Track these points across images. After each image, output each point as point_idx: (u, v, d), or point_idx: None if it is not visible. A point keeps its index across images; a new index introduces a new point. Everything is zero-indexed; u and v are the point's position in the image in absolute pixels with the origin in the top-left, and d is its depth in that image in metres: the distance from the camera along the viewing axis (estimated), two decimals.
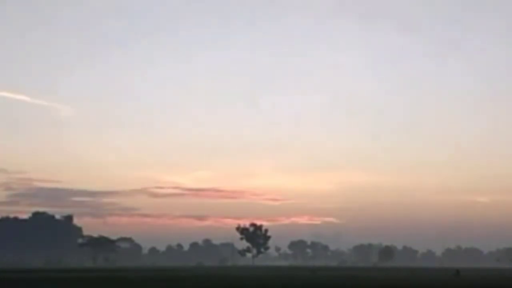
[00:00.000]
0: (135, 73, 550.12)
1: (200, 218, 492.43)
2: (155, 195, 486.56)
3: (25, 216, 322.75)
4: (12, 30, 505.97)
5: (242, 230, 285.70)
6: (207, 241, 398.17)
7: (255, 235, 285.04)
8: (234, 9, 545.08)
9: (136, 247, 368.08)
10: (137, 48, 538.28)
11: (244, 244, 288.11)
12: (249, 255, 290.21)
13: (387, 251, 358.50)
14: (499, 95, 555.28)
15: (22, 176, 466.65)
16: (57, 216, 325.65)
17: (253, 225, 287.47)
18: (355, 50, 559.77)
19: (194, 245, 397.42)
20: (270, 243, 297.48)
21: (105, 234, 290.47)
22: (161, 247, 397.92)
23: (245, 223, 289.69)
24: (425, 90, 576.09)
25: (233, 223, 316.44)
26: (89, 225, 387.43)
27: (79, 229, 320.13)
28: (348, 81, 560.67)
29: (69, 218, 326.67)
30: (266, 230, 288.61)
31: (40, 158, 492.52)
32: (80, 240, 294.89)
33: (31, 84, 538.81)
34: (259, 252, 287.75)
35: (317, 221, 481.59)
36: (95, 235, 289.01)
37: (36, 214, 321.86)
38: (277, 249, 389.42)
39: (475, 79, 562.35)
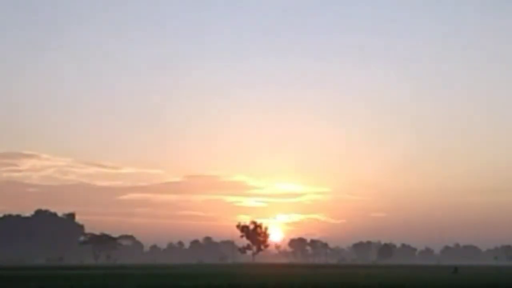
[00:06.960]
0: None
1: (201, 215, 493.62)
2: (157, 192, 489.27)
3: (27, 214, 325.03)
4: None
5: (242, 228, 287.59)
6: (207, 239, 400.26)
7: (255, 233, 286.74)
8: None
9: (138, 244, 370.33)
10: None
11: (244, 241, 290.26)
12: (249, 252, 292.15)
13: (386, 249, 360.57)
14: (497, 96, 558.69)
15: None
16: (59, 214, 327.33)
17: (253, 222, 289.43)
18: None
19: (194, 242, 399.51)
20: (270, 240, 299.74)
21: (107, 232, 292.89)
22: (162, 245, 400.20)
23: (246, 221, 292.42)
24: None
25: (234, 221, 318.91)
26: (91, 223, 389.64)
27: (81, 227, 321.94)
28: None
29: (71, 216, 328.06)
30: (266, 228, 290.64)
31: None
32: (82, 238, 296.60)
33: None
34: (259, 249, 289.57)
35: (317, 219, 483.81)
36: (97, 232, 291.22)
37: (38, 212, 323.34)
38: (277, 246, 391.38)
39: (475, 80, 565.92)
